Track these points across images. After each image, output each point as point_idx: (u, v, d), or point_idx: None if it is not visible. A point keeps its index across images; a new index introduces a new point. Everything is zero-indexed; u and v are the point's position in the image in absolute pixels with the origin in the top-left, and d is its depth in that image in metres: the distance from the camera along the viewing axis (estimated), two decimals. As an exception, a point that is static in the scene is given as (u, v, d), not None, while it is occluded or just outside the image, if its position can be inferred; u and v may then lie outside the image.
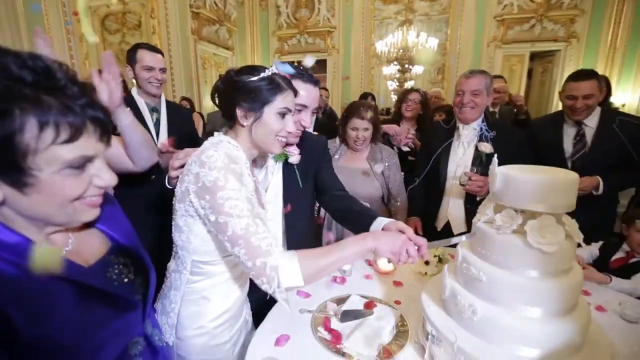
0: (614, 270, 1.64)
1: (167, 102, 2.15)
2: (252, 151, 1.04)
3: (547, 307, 0.79)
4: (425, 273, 1.48)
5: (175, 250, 1.02)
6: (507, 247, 0.81)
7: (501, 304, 0.81)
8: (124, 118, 1.19)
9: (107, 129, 0.58)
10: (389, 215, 2.15)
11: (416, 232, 2.00)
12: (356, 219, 1.27)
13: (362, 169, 2.04)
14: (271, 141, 1.01)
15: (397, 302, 1.28)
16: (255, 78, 0.95)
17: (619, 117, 1.98)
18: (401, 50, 7.01)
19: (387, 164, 2.03)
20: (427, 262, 1.48)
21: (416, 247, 0.96)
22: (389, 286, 1.41)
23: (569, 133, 2.05)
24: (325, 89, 5.40)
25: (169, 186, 1.10)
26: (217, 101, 1.05)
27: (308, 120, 1.28)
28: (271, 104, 0.96)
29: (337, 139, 2.13)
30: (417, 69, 7.40)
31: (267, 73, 0.96)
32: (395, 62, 7.23)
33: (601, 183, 1.88)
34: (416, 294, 1.30)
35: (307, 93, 1.23)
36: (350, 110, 2.00)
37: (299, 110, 1.24)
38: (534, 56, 7.27)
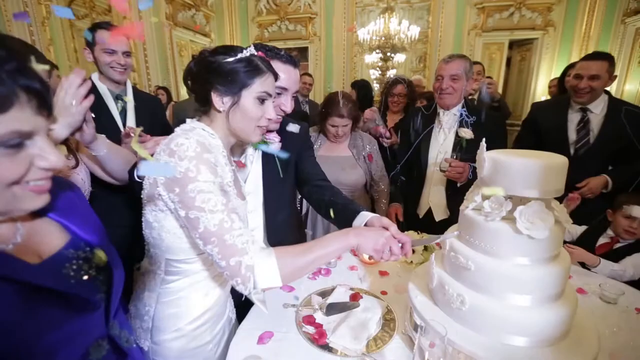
0: (599, 256, 1.65)
1: (135, 89, 1.99)
2: (229, 139, 0.96)
3: (537, 295, 0.77)
4: (411, 262, 1.46)
5: (147, 248, 0.94)
6: (496, 234, 0.79)
7: (490, 292, 0.79)
8: (100, 149, 1.12)
9: (46, 100, 0.51)
10: (372, 201, 2.12)
11: (397, 219, 2.02)
12: (339, 213, 1.22)
13: (345, 157, 2.01)
14: (250, 129, 0.93)
15: (384, 293, 1.25)
16: (231, 59, 0.87)
17: (625, 107, 1.90)
18: (383, 38, 6.96)
19: (368, 151, 2.01)
20: (412, 251, 1.46)
21: (400, 245, 0.91)
22: (374, 276, 1.38)
23: (572, 119, 1.97)
24: (310, 75, 5.25)
25: (137, 178, 1.01)
26: (190, 84, 0.95)
27: (288, 105, 1.20)
28: (249, 87, 0.88)
29: (316, 130, 2.09)
30: (399, 57, 7.37)
31: (245, 54, 0.89)
32: (377, 50, 7.17)
33: (609, 180, 1.84)
34: (402, 283, 1.28)
35: (287, 75, 1.14)
36: (329, 107, 1.91)
37: (279, 94, 1.17)
38: (512, 44, 7.37)
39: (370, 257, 0.90)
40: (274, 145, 1.27)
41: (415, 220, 1.98)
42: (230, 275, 0.77)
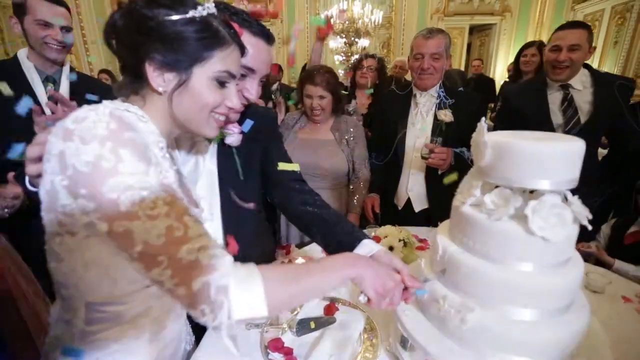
0: (628, 247, 1.62)
1: (75, 72, 1.62)
2: (171, 128, 0.70)
3: (552, 305, 0.64)
4: (390, 260, 1.31)
5: (57, 288, 0.66)
6: (502, 237, 0.64)
7: (498, 308, 0.65)
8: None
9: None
10: (349, 192, 1.94)
11: (373, 210, 1.88)
12: (330, 233, 0.97)
13: (326, 140, 1.84)
14: (202, 119, 0.68)
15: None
16: (178, 17, 0.61)
17: (619, 81, 1.69)
18: (347, 22, 6.76)
19: (352, 135, 1.84)
20: (391, 248, 1.32)
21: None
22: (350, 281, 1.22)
23: (554, 100, 1.73)
24: (280, 69, 4.88)
25: (31, 187, 0.72)
26: (114, 45, 0.66)
27: (254, 91, 0.91)
28: (204, 63, 0.63)
29: (297, 112, 1.94)
30: (364, 43, 7.23)
31: (200, 12, 0.63)
32: (341, 35, 6.97)
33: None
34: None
35: (256, 52, 0.85)
36: (305, 75, 1.81)
37: (243, 76, 0.87)
38: (472, 30, 7.52)
39: (369, 301, 0.69)
40: (233, 138, 1.00)
41: (393, 213, 1.83)
42: (191, 305, 0.53)
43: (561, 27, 1.70)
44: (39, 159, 0.63)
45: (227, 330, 0.54)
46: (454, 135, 1.58)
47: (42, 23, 1.40)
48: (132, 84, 0.66)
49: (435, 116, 1.66)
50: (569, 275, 0.65)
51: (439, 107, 1.65)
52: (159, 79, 0.63)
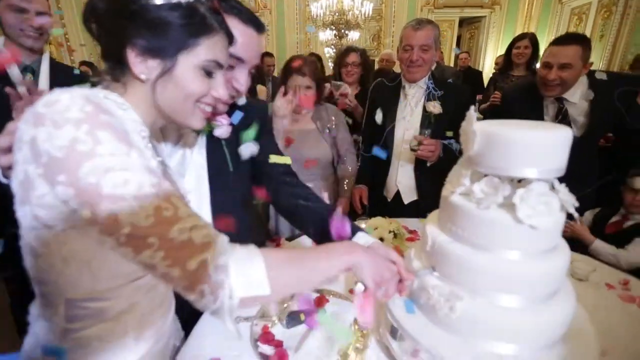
0: (608, 236, 1.65)
1: (53, 62, 1.55)
2: (154, 118, 0.67)
3: (539, 292, 0.65)
4: (380, 251, 1.32)
5: (35, 285, 0.64)
6: (491, 225, 0.64)
7: (487, 295, 0.65)
8: None
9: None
10: (337, 182, 1.93)
11: (361, 202, 1.88)
12: (325, 227, 0.93)
13: (308, 130, 1.81)
14: (187, 109, 0.65)
15: (352, 292, 1.09)
16: (163, 1, 0.58)
17: (619, 89, 1.58)
18: (337, 14, 6.69)
19: (334, 123, 1.82)
20: (381, 239, 1.32)
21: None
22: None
23: (548, 112, 1.68)
24: (271, 55, 4.81)
25: (3, 180, 0.68)
26: (94, 30, 0.63)
27: (243, 82, 0.88)
28: (190, 50, 0.61)
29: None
30: (354, 35, 7.17)
31: None
32: (331, 27, 6.90)
33: None
34: (373, 278, 1.14)
35: (246, 41, 0.82)
36: (289, 67, 1.70)
37: (231, 66, 0.84)
38: (462, 22, 7.54)
39: (365, 290, 0.70)
40: (222, 130, 0.97)
41: (382, 204, 1.84)
42: (189, 286, 0.50)
43: (555, 41, 1.60)
44: (9, 150, 0.60)
45: (229, 313, 0.52)
46: (443, 127, 1.58)
47: (16, 9, 1.33)
48: (113, 70, 0.63)
49: (424, 108, 1.66)
50: (556, 262, 0.65)
51: (428, 98, 1.65)
52: (142, 65, 0.60)
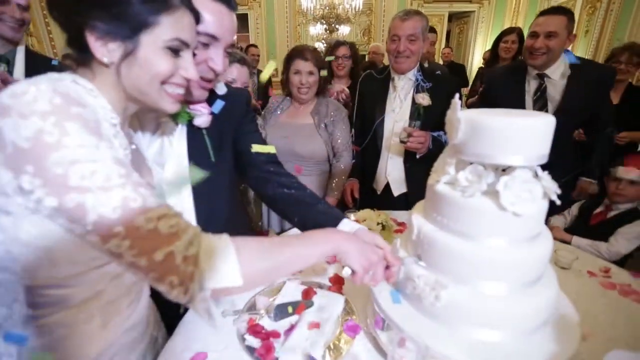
0: (594, 227, 1.70)
1: (30, 52, 1.49)
2: (125, 103, 0.66)
3: (523, 279, 0.66)
4: (369, 244, 1.31)
5: None
6: (476, 213, 0.64)
7: (472, 283, 0.65)
8: None
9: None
10: (329, 177, 1.91)
11: (352, 195, 1.88)
12: (310, 216, 0.95)
13: (304, 125, 1.79)
14: (155, 91, 0.64)
15: (331, 280, 1.09)
16: None
17: (594, 67, 1.68)
18: (327, 8, 6.64)
19: (332, 119, 1.79)
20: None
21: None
22: (329, 264, 1.21)
23: (530, 88, 1.70)
24: (255, 46, 4.80)
25: None
26: (57, 16, 0.61)
27: (219, 61, 0.85)
28: (152, 29, 0.59)
29: (281, 94, 1.89)
30: (344, 30, 7.13)
31: None
32: (322, 21, 6.85)
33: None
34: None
35: (218, 18, 0.80)
36: (292, 52, 1.76)
37: (205, 45, 0.82)
38: (451, 17, 7.57)
39: (353, 274, 0.71)
40: (202, 119, 0.94)
41: (372, 197, 1.84)
42: (158, 277, 0.51)
43: (542, 13, 1.66)
44: None
45: (201, 304, 0.52)
46: (432, 119, 1.58)
47: None
48: (79, 56, 0.62)
49: (413, 100, 1.65)
50: (539, 249, 0.66)
51: (417, 90, 1.65)
52: (103, 48, 0.58)
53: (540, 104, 1.68)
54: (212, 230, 0.65)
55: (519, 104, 1.71)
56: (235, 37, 0.87)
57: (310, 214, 0.97)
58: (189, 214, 0.97)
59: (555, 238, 1.55)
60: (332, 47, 2.53)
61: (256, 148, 1.03)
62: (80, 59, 0.62)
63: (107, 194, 0.49)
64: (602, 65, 1.81)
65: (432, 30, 3.42)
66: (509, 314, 0.65)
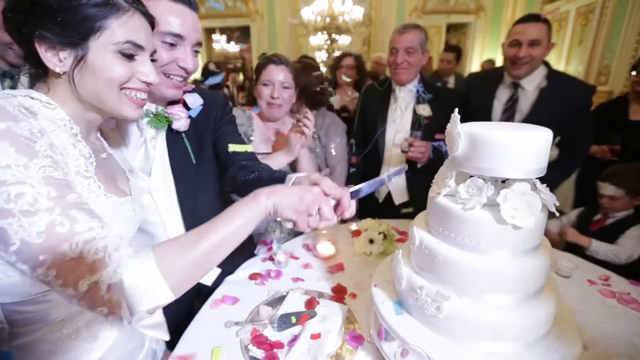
0: (594, 233, 1.71)
1: None
2: (86, 114, 0.65)
3: (523, 291, 0.67)
4: (370, 253, 1.33)
5: None
6: (476, 225, 0.65)
7: (473, 295, 0.66)
8: None
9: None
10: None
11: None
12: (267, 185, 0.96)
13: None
14: (113, 97, 0.63)
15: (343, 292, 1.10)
16: None
17: (573, 83, 1.61)
18: (328, 19, 6.76)
19: (325, 130, 1.70)
20: (371, 241, 1.33)
21: (334, 204, 0.70)
22: (332, 274, 1.22)
23: (501, 96, 1.66)
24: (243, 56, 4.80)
25: None
26: (12, 33, 0.61)
27: (189, 60, 0.88)
28: (100, 34, 0.58)
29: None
30: (345, 40, 7.25)
31: None
32: (322, 31, 6.96)
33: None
34: (363, 279, 1.14)
35: (181, 18, 0.84)
36: (262, 60, 1.47)
37: (172, 45, 0.85)
38: (450, 28, 7.70)
39: (295, 225, 0.66)
40: (181, 123, 0.97)
41: (374, 206, 1.85)
42: (89, 307, 0.50)
43: (520, 20, 1.58)
44: None
45: (145, 322, 0.52)
46: (433, 130, 1.61)
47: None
48: (35, 70, 0.62)
49: (414, 111, 1.69)
50: (539, 260, 0.67)
51: (418, 101, 1.68)
52: (54, 58, 0.59)
53: (509, 114, 1.64)
54: None
55: (488, 111, 1.67)
56: (200, 36, 0.90)
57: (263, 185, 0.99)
58: (175, 216, 1.01)
59: (570, 241, 1.54)
60: (338, 58, 2.58)
61: (233, 147, 1.05)
62: (36, 73, 0.63)
63: (32, 218, 0.47)
64: (581, 82, 1.69)
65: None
66: (511, 325, 0.66)
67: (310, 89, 1.66)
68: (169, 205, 0.98)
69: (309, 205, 0.65)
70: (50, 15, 0.56)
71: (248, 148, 1.09)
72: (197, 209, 1.02)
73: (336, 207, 0.72)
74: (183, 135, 1.00)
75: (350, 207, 0.72)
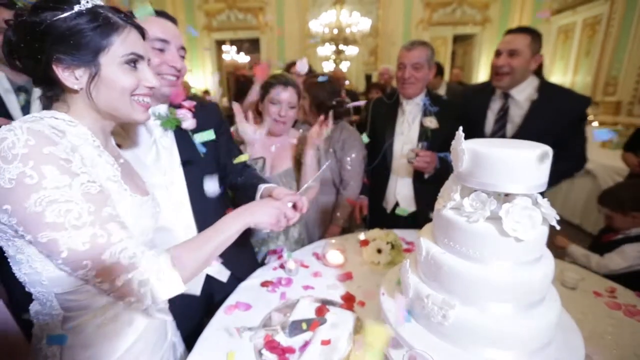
0: (602, 243, 1.78)
1: None
2: (102, 123, 0.74)
3: (525, 301, 0.70)
4: (379, 262, 1.36)
5: (29, 289, 0.71)
6: (480, 237, 0.69)
7: (477, 304, 0.70)
8: None
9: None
10: (334, 206, 1.87)
11: (361, 212, 1.92)
12: (246, 194, 1.15)
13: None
14: (126, 105, 0.71)
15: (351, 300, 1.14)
16: (66, 14, 0.63)
17: (567, 95, 1.60)
18: (336, 30, 6.90)
19: (342, 145, 1.73)
20: (379, 250, 1.36)
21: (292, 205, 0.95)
22: (341, 282, 1.26)
23: (494, 107, 1.68)
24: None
25: None
26: (18, 63, 0.68)
27: (177, 60, 1.02)
28: (108, 50, 0.67)
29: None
30: (352, 50, 7.38)
31: (85, 4, 0.65)
32: (330, 42, 7.11)
33: None
34: (371, 287, 1.18)
35: (162, 26, 0.99)
36: (270, 79, 1.55)
37: (160, 50, 0.98)
38: (456, 39, 7.78)
39: (271, 230, 0.91)
40: (188, 122, 1.11)
41: (382, 215, 1.89)
42: (119, 296, 0.64)
43: (508, 32, 1.62)
44: None
45: (159, 307, 0.67)
46: (439, 141, 1.65)
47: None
48: (50, 92, 0.70)
49: (421, 123, 1.73)
50: (541, 271, 0.70)
51: (425, 114, 1.73)
52: (71, 77, 0.66)
53: (500, 124, 1.65)
54: (209, 222, 0.81)
55: (481, 121, 1.69)
56: (182, 42, 1.05)
57: (239, 189, 1.25)
58: (186, 208, 1.12)
59: (556, 244, 1.56)
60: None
61: (237, 159, 1.21)
62: (52, 95, 0.70)
63: (79, 231, 0.58)
64: (577, 94, 1.65)
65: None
66: (514, 333, 0.68)
67: (326, 103, 1.72)
68: (182, 198, 1.10)
69: (277, 215, 0.89)
70: (64, 40, 0.63)
71: (245, 157, 1.24)
72: (206, 202, 1.14)
73: (294, 206, 0.97)
74: (190, 133, 1.12)
75: (303, 204, 0.98)
